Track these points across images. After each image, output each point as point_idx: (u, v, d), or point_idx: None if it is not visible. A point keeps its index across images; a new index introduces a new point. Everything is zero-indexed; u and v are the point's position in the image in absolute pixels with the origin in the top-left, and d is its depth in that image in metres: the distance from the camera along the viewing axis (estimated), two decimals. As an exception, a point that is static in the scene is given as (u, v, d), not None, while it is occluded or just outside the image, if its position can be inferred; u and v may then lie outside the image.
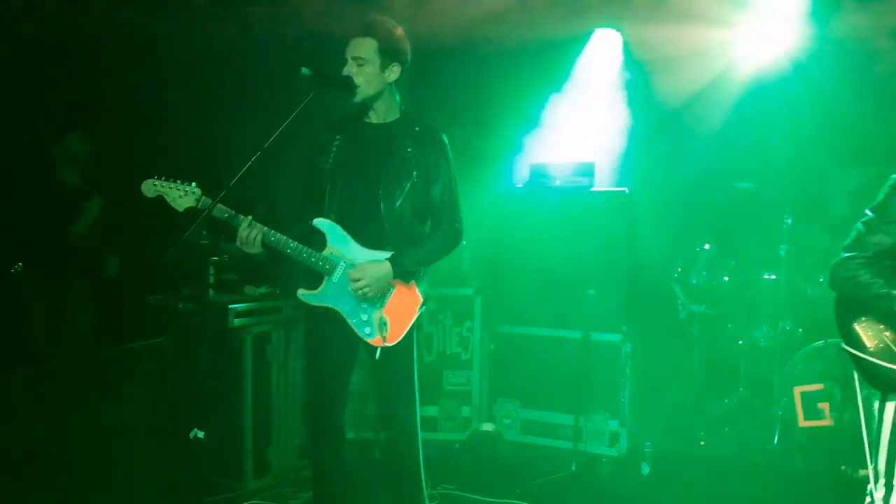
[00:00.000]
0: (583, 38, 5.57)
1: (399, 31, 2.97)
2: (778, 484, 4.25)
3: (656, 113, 5.37)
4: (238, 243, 2.85)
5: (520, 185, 5.24)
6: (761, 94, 5.22)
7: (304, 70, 2.74)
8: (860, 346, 2.51)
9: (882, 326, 2.49)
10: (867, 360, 2.49)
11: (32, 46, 5.13)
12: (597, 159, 5.07)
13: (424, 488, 3.09)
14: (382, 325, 2.89)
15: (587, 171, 4.94)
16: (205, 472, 3.33)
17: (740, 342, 5.05)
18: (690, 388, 5.19)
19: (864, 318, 2.52)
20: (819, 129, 4.94)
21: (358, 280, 2.86)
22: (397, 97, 3.03)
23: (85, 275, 5.04)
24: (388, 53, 2.91)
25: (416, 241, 2.97)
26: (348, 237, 2.93)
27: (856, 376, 2.59)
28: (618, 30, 5.51)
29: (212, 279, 4.03)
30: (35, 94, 5.18)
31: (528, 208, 4.98)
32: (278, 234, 2.86)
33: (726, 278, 5.02)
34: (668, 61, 5.26)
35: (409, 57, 2.99)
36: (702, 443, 4.82)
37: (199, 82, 5.39)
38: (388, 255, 2.91)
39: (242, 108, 5.29)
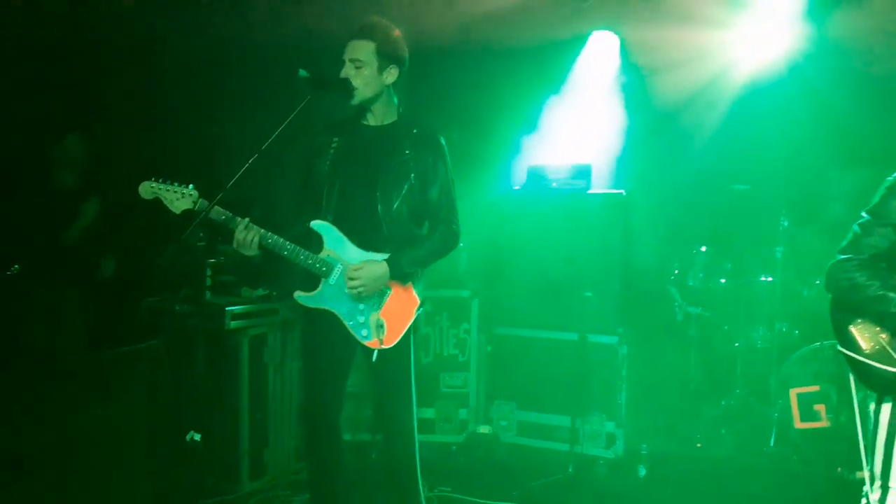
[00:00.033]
0: (580, 41, 5.57)
1: (397, 33, 2.97)
2: (774, 485, 4.25)
3: (653, 115, 5.38)
4: (235, 245, 2.84)
5: (517, 188, 5.25)
6: (758, 95, 5.22)
7: (302, 72, 2.75)
8: (856, 348, 2.52)
9: (878, 328, 2.49)
10: (863, 362, 2.49)
11: (32, 46, 5.11)
12: (594, 161, 5.08)
13: (421, 490, 3.08)
14: (379, 327, 2.89)
15: (584, 173, 4.95)
16: (201, 475, 3.32)
17: (737, 344, 5.05)
18: (687, 389, 5.20)
19: (860, 321, 2.52)
20: (815, 130, 4.94)
21: (354, 279, 2.86)
22: (395, 99, 3.03)
23: (81, 277, 5.03)
24: (386, 56, 2.91)
25: (414, 243, 2.97)
26: (345, 239, 2.93)
27: (852, 378, 2.59)
28: (615, 32, 5.51)
29: (209, 281, 4.02)
30: (35, 94, 5.16)
31: (525, 210, 4.99)
32: (275, 237, 2.85)
33: (723, 280, 5.03)
34: (665, 63, 5.27)
35: (407, 59, 2.99)
36: (698, 444, 4.82)
37: (199, 82, 5.37)
38: (385, 256, 2.91)
39: (242, 108, 5.27)
